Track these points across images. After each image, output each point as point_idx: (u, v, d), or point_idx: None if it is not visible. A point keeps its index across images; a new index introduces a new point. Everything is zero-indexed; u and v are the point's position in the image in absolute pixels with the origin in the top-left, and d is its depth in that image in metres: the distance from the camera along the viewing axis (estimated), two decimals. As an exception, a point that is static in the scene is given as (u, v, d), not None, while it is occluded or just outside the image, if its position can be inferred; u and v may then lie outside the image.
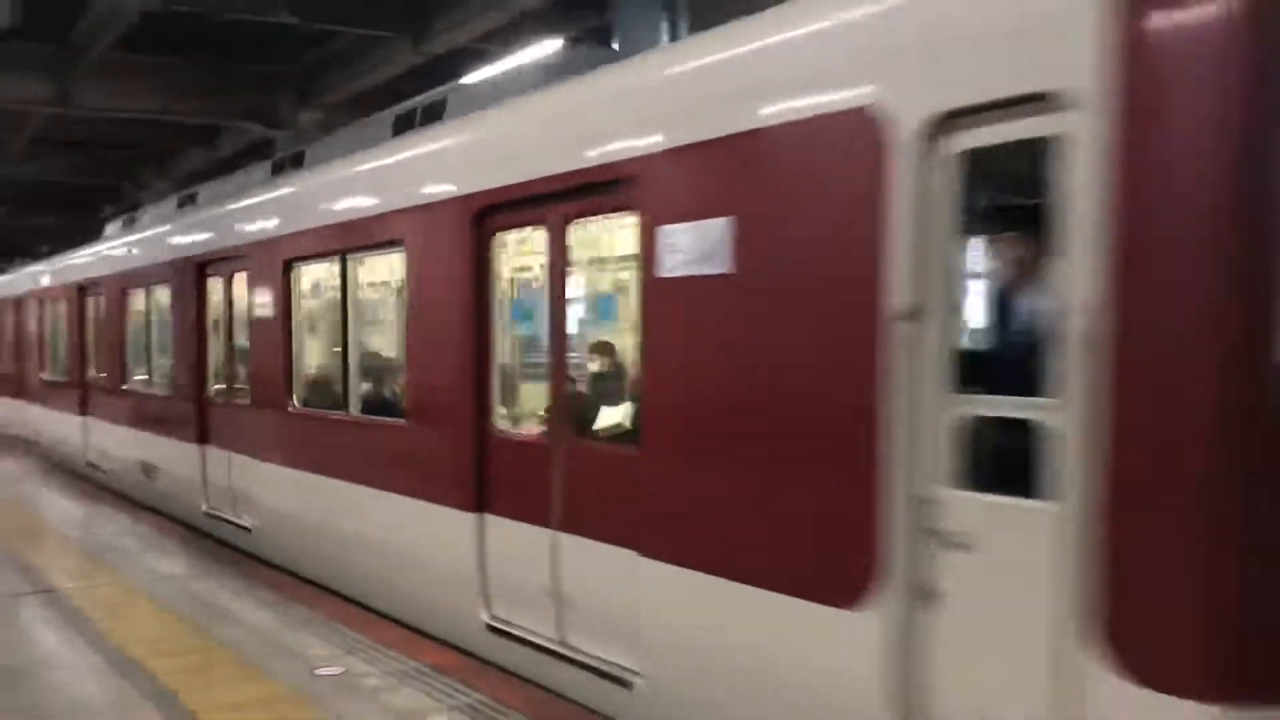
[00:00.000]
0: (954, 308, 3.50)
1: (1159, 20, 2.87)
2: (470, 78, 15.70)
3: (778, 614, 3.93)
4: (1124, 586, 2.95)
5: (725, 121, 4.25)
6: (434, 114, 6.87)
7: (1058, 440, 3.11)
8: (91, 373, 12.98)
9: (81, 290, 13.40)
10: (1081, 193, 3.03)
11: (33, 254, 37.51)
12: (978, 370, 3.48)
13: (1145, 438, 2.94)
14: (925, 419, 3.48)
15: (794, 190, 3.98)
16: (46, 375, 15.34)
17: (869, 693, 3.56)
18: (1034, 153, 3.19)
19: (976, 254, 3.38)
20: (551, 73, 5.80)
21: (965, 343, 3.59)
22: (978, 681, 3.28)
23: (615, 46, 12.55)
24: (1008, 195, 3.47)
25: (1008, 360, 3.47)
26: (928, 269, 3.48)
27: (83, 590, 6.91)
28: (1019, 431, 3.25)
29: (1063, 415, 3.08)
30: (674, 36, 12.38)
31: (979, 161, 3.38)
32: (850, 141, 3.69)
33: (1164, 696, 2.83)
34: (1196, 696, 2.76)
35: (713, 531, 4.27)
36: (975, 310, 3.81)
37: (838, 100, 3.76)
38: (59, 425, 14.14)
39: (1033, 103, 3.14)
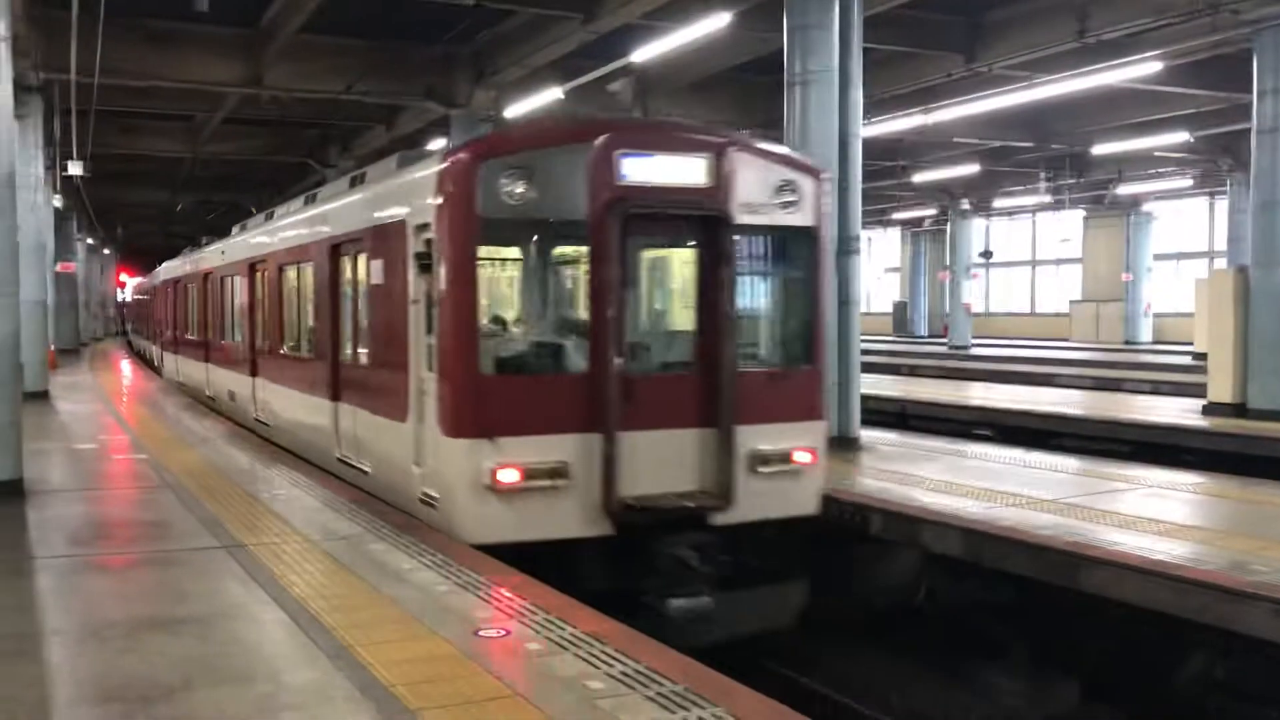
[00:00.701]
0: (430, 299, 7.92)
1: (440, 210, 7.72)
2: (639, 54, 15.81)
3: (392, 429, 8.69)
4: (442, 403, 7.62)
5: (377, 218, 9.20)
6: (359, 180, 10.69)
7: (435, 349, 7.78)
8: (209, 334, 18.02)
9: (205, 277, 18.43)
10: (435, 257, 7.76)
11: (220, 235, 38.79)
12: (429, 324, 7.97)
13: (446, 350, 7.61)
14: (420, 346, 8.11)
15: (391, 249, 8.67)
16: (189, 335, 20.62)
17: (409, 456, 8.28)
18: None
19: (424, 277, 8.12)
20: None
21: (432, 314, 7.93)
22: (427, 446, 7.97)
23: (784, 20, 12.37)
24: (431, 256, 7.88)
25: (432, 320, 7.89)
26: (419, 283, 8.11)
27: (266, 546, 7.29)
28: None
29: (436, 340, 7.76)
30: (844, 8, 12.12)
31: (427, 244, 7.94)
32: (401, 230, 8.43)
33: (452, 439, 7.50)
34: (457, 435, 7.45)
35: (379, 398, 9.07)
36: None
37: (398, 215, 8.56)
38: (196, 371, 19.27)
39: (428, 226, 7.88)
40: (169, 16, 17.48)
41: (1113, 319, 39.43)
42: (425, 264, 7.98)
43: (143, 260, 61.34)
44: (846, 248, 12.11)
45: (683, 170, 7.93)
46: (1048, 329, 43.02)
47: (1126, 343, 37.32)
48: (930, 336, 46.99)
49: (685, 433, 7.87)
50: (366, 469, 9.44)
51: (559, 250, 8.53)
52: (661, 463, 7.76)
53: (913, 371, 26.27)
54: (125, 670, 4.90)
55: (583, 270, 7.91)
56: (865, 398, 13.41)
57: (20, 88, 15.16)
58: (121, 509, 9.11)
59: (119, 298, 64.72)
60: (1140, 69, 16.64)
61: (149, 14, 17.39)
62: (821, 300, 8.71)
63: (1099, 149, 26.45)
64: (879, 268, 52.95)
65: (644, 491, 7.64)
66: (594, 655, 5.07)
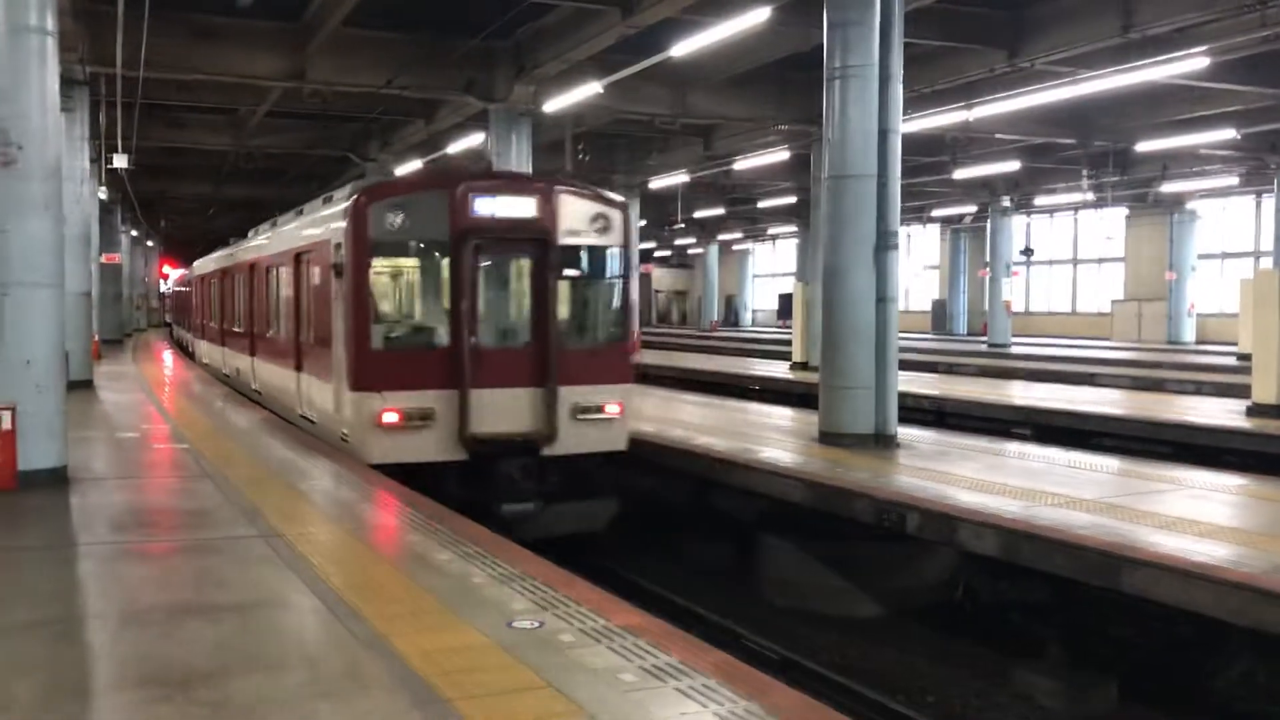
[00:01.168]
0: (343, 296, 10.95)
1: (345, 234, 10.76)
2: (677, 49, 15.80)
3: (325, 388, 11.71)
4: (348, 368, 10.67)
5: (318, 236, 12.10)
6: (329, 200, 12.73)
7: (343, 331, 10.83)
8: (223, 323, 21.13)
9: (221, 275, 21.80)
10: (344, 267, 10.80)
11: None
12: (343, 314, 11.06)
13: (349, 332, 10.66)
14: (339, 328, 10.98)
15: (324, 260, 11.55)
16: (210, 324, 24.15)
17: (333, 406, 11.32)
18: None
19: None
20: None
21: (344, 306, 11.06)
22: (342, 399, 10.91)
23: (824, 15, 12.29)
24: (343, 266, 10.86)
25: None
26: (337, 285, 10.99)
27: (303, 536, 7.36)
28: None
29: (344, 324, 10.80)
30: (885, 3, 12.02)
31: (341, 257, 10.88)
32: (328, 247, 11.41)
33: (353, 393, 10.51)
34: (355, 390, 10.49)
35: (319, 367, 11.99)
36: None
37: (327, 235, 11.59)
38: (216, 354, 22.69)
39: (341, 245, 10.89)
40: (213, 10, 17.66)
41: (1155, 318, 38.94)
42: (339, 271, 10.93)
43: (186, 252, 61.94)
44: (885, 244, 12.03)
45: (518, 207, 10.93)
46: (1089, 328, 42.55)
47: (1169, 343, 36.85)
48: (969, 335, 46.64)
49: (522, 390, 10.82)
50: (314, 419, 12.51)
51: (429, 262, 11.11)
52: (503, 410, 10.71)
53: (951, 370, 26.09)
54: (164, 655, 4.96)
55: (447, 275, 10.74)
56: (903, 395, 13.33)
57: (66, 81, 15.36)
58: (162, 497, 9.23)
59: (162, 289, 65.52)
60: (1186, 65, 16.42)
61: (193, 8, 17.57)
62: (630, 296, 12.00)
63: (1143, 146, 26.14)
64: (918, 265, 52.60)
65: (489, 430, 10.61)
66: (627, 648, 5.08)
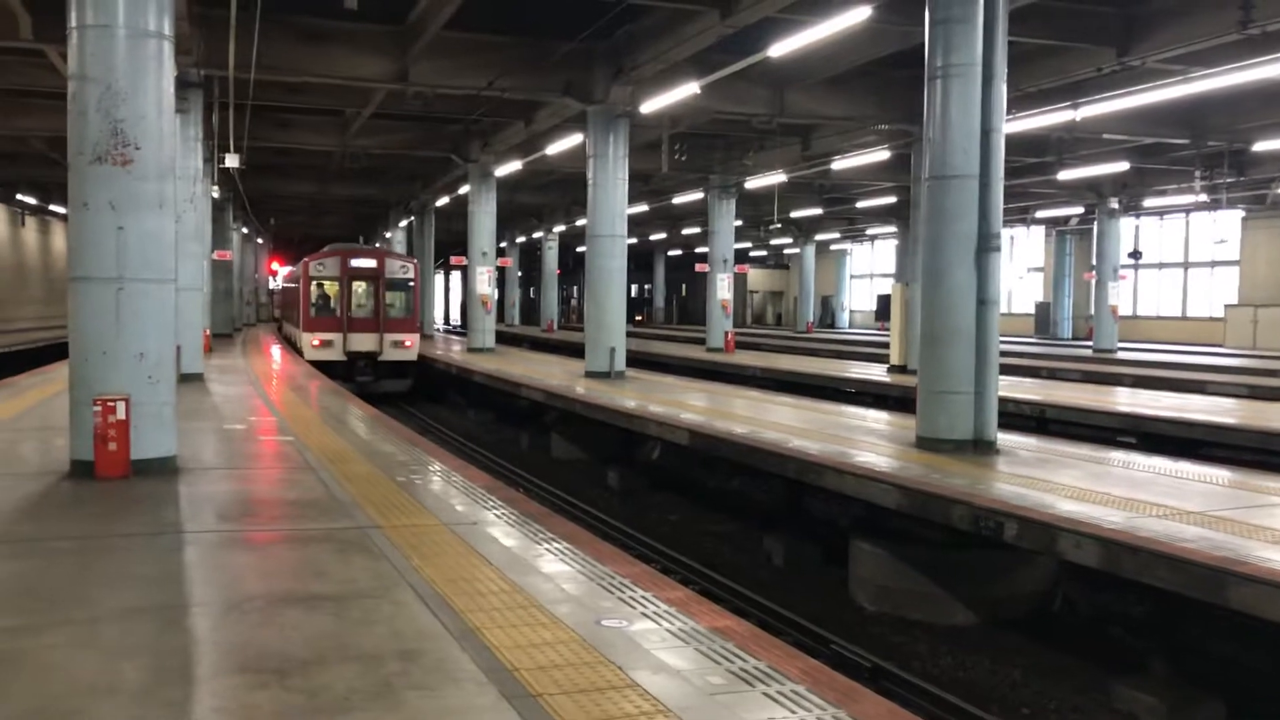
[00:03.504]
0: (311, 300, 29.07)
1: (302, 270, 30.29)
2: (776, 48, 15.71)
3: (296, 330, 31.01)
4: (301, 322, 29.10)
5: (297, 273, 32.87)
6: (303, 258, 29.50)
7: (300, 308, 29.75)
8: (284, 310, 41.15)
9: (291, 281, 36.83)
10: (302, 285, 29.27)
11: (364, 225, 40.95)
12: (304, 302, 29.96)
13: (302, 308, 29.12)
14: (302, 308, 29.02)
15: (299, 279, 30.46)
16: (286, 311, 40.71)
17: (299, 337, 29.68)
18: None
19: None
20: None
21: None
22: (301, 334, 30.10)
23: (926, 13, 12.11)
24: (303, 283, 30.02)
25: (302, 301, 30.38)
26: (304, 291, 29.02)
27: (400, 529, 7.50)
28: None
29: (300, 305, 29.77)
30: (989, 0, 11.81)
31: (305, 280, 29.19)
32: (301, 276, 29.87)
33: (303, 331, 28.86)
34: (303, 331, 28.88)
35: (298, 323, 30.39)
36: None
37: (300, 271, 30.96)
38: (287, 329, 37.47)
39: (300, 275, 31.47)
40: (321, 14, 18.09)
41: (1272, 324, 37.57)
42: (303, 285, 28.68)
43: (294, 249, 63.59)
44: (986, 245, 11.80)
45: (370, 262, 28.72)
46: (1200, 334, 41.23)
47: (1286, 350, 35.53)
48: (1074, 339, 45.52)
49: (370, 333, 28.07)
50: (298, 347, 28.58)
51: (333, 284, 28.40)
52: (362, 341, 27.98)
53: (1054, 375, 25.50)
54: (262, 643, 5.09)
55: (338, 289, 28.41)
56: (1003, 401, 13.07)
57: (181, 83, 15.88)
58: (266, 488, 9.47)
59: (270, 285, 67.40)
60: (1308, 61, 15.76)
61: (302, 12, 18.02)
62: (419, 300, 30.25)
63: (1260, 146, 25.21)
64: (1021, 267, 51.51)
65: (355, 349, 27.89)
66: (715, 651, 5.07)
